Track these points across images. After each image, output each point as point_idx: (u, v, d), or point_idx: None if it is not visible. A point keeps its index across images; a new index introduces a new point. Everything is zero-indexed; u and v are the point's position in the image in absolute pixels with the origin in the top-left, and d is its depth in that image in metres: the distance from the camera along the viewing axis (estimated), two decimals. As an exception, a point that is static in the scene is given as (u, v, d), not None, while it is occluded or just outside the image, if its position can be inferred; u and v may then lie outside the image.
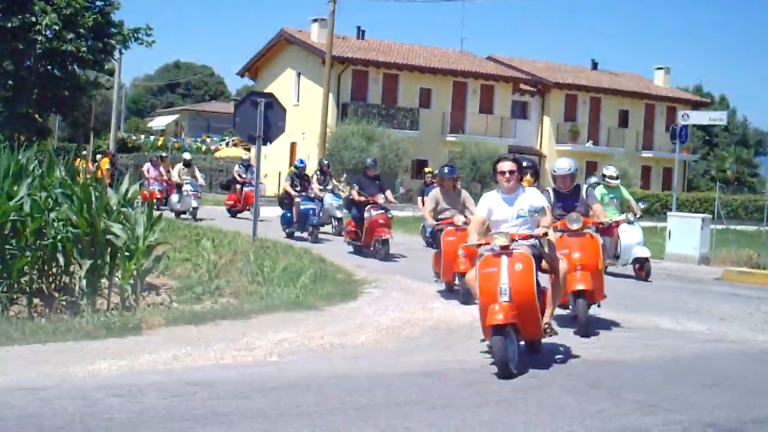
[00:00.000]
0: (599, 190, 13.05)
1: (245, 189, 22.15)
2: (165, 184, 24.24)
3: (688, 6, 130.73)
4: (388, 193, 14.75)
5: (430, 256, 11.61)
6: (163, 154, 30.68)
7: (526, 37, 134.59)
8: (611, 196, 13.37)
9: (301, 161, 18.42)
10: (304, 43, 38.60)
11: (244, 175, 22.45)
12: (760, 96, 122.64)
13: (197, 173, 22.18)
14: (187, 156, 23.10)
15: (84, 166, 21.15)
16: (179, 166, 22.28)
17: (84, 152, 31.66)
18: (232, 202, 23.25)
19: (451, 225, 10.49)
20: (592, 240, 8.75)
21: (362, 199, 14.53)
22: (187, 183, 21.35)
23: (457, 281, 10.29)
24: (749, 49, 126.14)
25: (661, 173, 44.51)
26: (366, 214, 14.37)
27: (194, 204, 20.91)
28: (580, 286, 8.40)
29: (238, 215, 22.68)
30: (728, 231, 21.76)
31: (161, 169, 24.54)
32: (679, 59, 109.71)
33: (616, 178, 13.54)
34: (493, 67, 42.07)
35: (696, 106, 45.00)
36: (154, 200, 23.55)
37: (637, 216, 13.34)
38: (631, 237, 13.26)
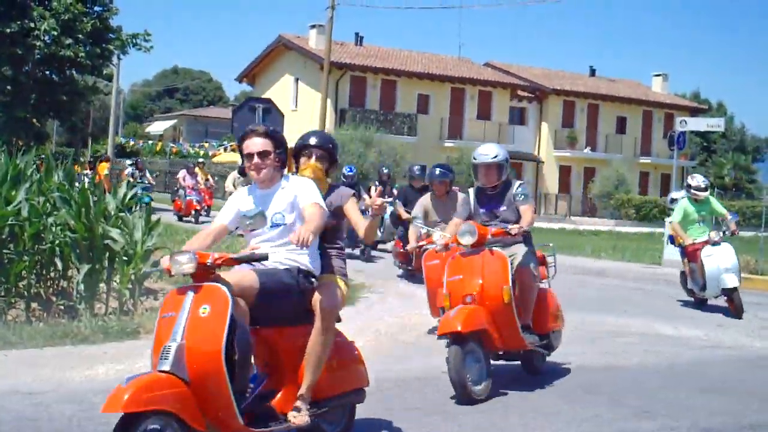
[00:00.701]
0: (683, 206, 11.12)
1: None
2: (201, 193, 22.30)
3: (685, 13, 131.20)
4: None
5: None
6: (201, 160, 28.22)
7: (524, 43, 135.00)
8: (701, 211, 11.11)
9: (351, 168, 16.06)
10: (302, 49, 38.66)
11: None
12: (757, 102, 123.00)
13: None
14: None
15: (119, 170, 20.24)
16: (234, 174, 18.77)
17: (104, 157, 31.03)
18: None
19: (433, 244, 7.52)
20: (494, 257, 6.08)
21: (410, 216, 11.81)
22: None
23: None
24: (747, 56, 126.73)
25: (659, 179, 44.55)
26: None
27: None
28: (455, 326, 5.76)
29: None
30: (726, 237, 21.77)
31: (199, 177, 22.68)
32: (677, 66, 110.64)
33: (705, 189, 11.11)
34: (491, 74, 42.17)
35: (694, 112, 45.07)
36: (192, 212, 21.17)
37: (727, 233, 10.87)
38: (717, 261, 10.56)
